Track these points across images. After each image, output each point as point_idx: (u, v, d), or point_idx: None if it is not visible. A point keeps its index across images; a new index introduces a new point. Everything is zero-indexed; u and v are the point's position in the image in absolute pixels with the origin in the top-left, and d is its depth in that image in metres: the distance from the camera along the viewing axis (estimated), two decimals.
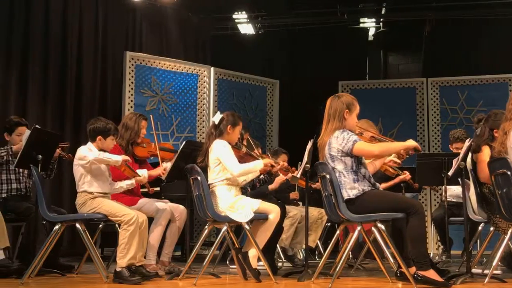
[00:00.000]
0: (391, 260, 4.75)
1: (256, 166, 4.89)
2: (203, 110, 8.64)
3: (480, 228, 5.67)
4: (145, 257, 4.95)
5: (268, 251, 5.17)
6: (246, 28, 9.76)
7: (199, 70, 8.69)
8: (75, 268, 5.44)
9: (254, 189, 6.06)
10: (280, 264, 6.11)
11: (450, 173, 4.87)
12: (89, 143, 4.93)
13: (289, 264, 6.27)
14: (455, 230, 6.86)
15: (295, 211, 6.19)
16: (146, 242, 4.94)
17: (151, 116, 5.84)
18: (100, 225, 5.51)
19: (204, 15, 9.53)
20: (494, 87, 8.77)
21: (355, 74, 9.93)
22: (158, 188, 5.92)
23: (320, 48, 9.91)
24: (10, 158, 5.55)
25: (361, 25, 9.97)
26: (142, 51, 8.49)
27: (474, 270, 4.81)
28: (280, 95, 9.44)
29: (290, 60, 10.08)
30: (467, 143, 4.75)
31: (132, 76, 8.05)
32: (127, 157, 4.91)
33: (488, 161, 4.57)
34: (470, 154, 4.84)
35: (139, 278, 4.58)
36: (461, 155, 4.73)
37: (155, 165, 5.69)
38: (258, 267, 4.78)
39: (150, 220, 5.13)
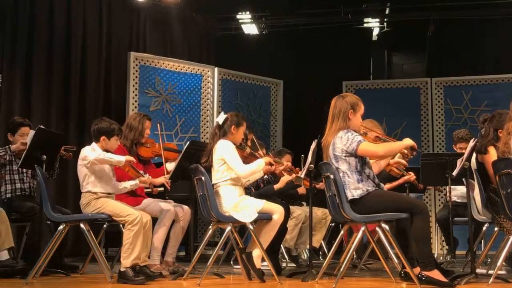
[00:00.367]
0: (395, 260, 4.75)
1: (259, 166, 4.90)
2: (207, 110, 8.64)
3: (484, 228, 5.66)
4: (149, 257, 4.96)
5: (272, 251, 5.17)
6: (250, 28, 9.76)
7: (203, 70, 8.69)
8: (80, 268, 5.45)
9: (258, 189, 6.06)
10: (284, 264, 6.11)
11: (454, 173, 4.86)
12: (93, 144, 4.93)
13: (293, 264, 6.27)
14: (459, 230, 6.85)
15: (299, 212, 6.19)
16: (150, 242, 4.95)
17: (158, 123, 5.85)
18: (104, 225, 5.52)
19: (208, 15, 9.53)
20: (498, 87, 8.74)
21: (359, 74, 9.91)
22: (162, 189, 5.92)
23: (324, 48, 9.89)
24: (13, 159, 5.56)
25: (365, 25, 9.96)
26: (146, 52, 8.50)
27: (478, 271, 4.80)
28: (284, 95, 9.44)
29: (294, 60, 10.07)
30: (471, 143, 4.74)
31: (136, 77, 8.06)
32: (131, 158, 4.91)
33: (493, 162, 4.56)
34: (474, 154, 4.83)
35: (143, 278, 4.58)
36: (465, 155, 4.73)
37: (159, 165, 5.70)
38: (262, 267, 4.78)
39: (154, 220, 5.14)
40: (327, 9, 9.53)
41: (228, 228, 4.77)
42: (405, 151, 4.65)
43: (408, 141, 4.52)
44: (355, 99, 4.65)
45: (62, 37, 7.80)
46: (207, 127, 8.56)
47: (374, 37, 10.29)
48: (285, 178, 5.88)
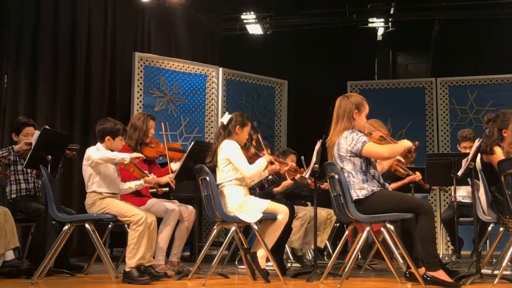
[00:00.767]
0: (400, 260, 4.74)
1: (262, 165, 4.90)
2: (212, 110, 8.64)
3: (489, 228, 5.64)
4: (154, 258, 4.96)
5: (277, 252, 5.17)
6: (255, 29, 9.75)
7: (208, 70, 8.70)
8: (85, 268, 5.46)
9: (262, 189, 6.06)
10: (288, 265, 6.10)
11: (459, 173, 4.85)
12: (98, 144, 4.94)
13: (298, 265, 6.26)
14: (464, 230, 6.83)
15: (304, 212, 6.19)
16: (155, 242, 4.95)
17: (162, 125, 5.84)
18: (109, 225, 5.52)
19: (212, 15, 9.53)
20: (503, 87, 8.72)
21: (364, 74, 9.89)
22: (167, 189, 5.92)
23: (328, 48, 9.88)
24: (18, 159, 5.57)
25: (370, 25, 9.93)
26: (151, 52, 8.51)
27: (483, 271, 4.79)
28: (288, 95, 9.44)
29: (299, 60, 10.06)
30: (476, 143, 4.73)
31: (141, 77, 8.07)
32: (138, 154, 4.89)
33: (498, 162, 4.55)
34: (479, 155, 4.82)
35: (148, 278, 4.59)
36: (470, 155, 4.72)
37: (164, 165, 5.70)
38: (266, 268, 4.78)
39: (159, 220, 5.14)
40: (332, 9, 9.52)
41: (233, 228, 4.77)
42: (409, 155, 4.66)
43: (406, 143, 4.52)
44: (360, 99, 4.65)
45: (67, 38, 7.82)
46: (211, 127, 8.57)
47: (379, 37, 10.27)
48: (286, 183, 5.91)
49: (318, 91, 9.67)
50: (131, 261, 4.64)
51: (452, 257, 6.52)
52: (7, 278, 4.96)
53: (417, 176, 5.98)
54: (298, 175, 5.40)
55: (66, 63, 7.79)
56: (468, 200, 6.36)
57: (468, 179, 4.83)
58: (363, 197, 4.40)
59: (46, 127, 5.30)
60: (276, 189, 6.02)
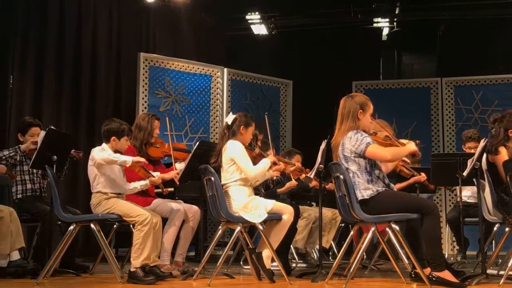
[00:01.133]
0: (406, 261, 4.73)
1: (265, 166, 4.89)
2: (217, 110, 8.65)
3: (495, 228, 5.62)
4: (159, 258, 4.97)
5: (282, 252, 5.17)
6: (259, 29, 9.75)
7: (213, 71, 8.70)
8: (90, 268, 5.47)
9: (267, 189, 6.06)
10: (294, 265, 6.10)
11: (465, 173, 4.84)
12: (104, 144, 4.95)
13: (303, 265, 6.26)
14: (470, 230, 6.81)
15: (309, 212, 6.19)
16: (160, 242, 4.96)
17: (166, 117, 5.83)
18: (115, 226, 5.53)
19: (217, 16, 9.54)
20: (509, 87, 8.69)
21: (369, 74, 9.88)
22: (172, 189, 5.93)
23: (333, 48, 9.88)
24: (24, 159, 5.59)
25: (375, 25, 9.93)
26: (156, 52, 8.51)
27: (489, 271, 4.77)
28: (293, 95, 9.43)
29: (303, 60, 10.06)
30: (482, 143, 4.72)
31: (146, 77, 8.08)
32: (141, 159, 4.90)
33: (503, 162, 4.54)
34: (485, 155, 4.81)
35: (153, 278, 4.59)
36: (476, 155, 4.71)
37: (169, 165, 5.70)
38: (272, 268, 4.77)
39: (164, 220, 5.15)
40: (337, 9, 9.51)
41: (238, 228, 4.77)
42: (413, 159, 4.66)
43: (411, 147, 4.51)
44: (364, 99, 4.64)
45: (72, 38, 7.83)
46: (216, 127, 8.57)
47: (384, 37, 10.27)
48: (290, 184, 5.90)
49: (323, 91, 9.64)
50: (136, 261, 4.65)
51: (458, 258, 6.50)
52: (12, 278, 4.98)
53: (422, 176, 5.97)
54: (303, 175, 5.40)
55: (71, 64, 7.81)
56: (473, 200, 6.34)
57: (474, 179, 4.82)
58: (368, 197, 4.40)
59: (52, 127, 5.31)
60: (280, 190, 6.02)
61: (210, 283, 4.50)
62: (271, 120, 9.16)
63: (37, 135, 5.46)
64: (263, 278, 4.70)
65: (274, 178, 6.03)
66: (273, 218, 4.82)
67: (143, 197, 5.30)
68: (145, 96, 8.04)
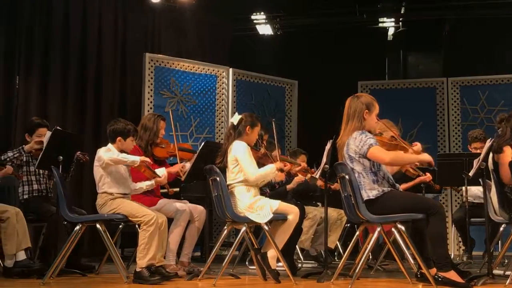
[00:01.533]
0: (411, 261, 4.72)
1: (268, 172, 4.88)
2: (222, 111, 8.65)
3: (501, 229, 5.61)
4: (164, 258, 4.98)
5: (287, 252, 5.16)
6: (265, 29, 9.76)
7: (218, 71, 8.71)
8: (96, 269, 5.48)
9: (273, 190, 6.05)
10: (299, 265, 6.10)
11: (471, 173, 4.83)
12: (109, 144, 4.96)
13: (308, 265, 6.26)
14: (476, 231, 6.80)
15: (314, 212, 6.18)
16: (166, 242, 4.97)
17: (170, 113, 5.82)
18: (120, 226, 5.54)
19: (222, 16, 9.54)
20: None
21: (375, 74, 9.88)
22: (177, 189, 5.94)
23: (339, 48, 9.87)
24: (30, 159, 5.60)
25: (380, 24, 9.93)
26: (161, 53, 8.53)
27: (495, 271, 4.76)
28: (298, 95, 9.43)
29: (309, 60, 10.05)
30: (488, 143, 4.71)
31: (152, 78, 8.09)
32: (146, 159, 4.92)
33: (510, 162, 4.52)
34: (491, 154, 4.79)
35: (158, 278, 4.60)
36: (482, 155, 4.69)
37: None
38: (277, 268, 4.77)
39: (170, 220, 5.15)
40: (342, 9, 9.51)
41: (243, 229, 4.77)
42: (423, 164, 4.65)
43: (426, 157, 4.49)
44: (370, 99, 4.63)
45: (77, 38, 7.85)
46: (222, 127, 8.58)
47: (390, 37, 10.26)
48: (298, 179, 5.88)
49: (328, 91, 9.62)
50: (142, 261, 4.65)
51: (464, 258, 6.48)
52: (19, 278, 5.00)
53: (428, 177, 5.95)
54: (309, 175, 5.39)
55: (77, 64, 7.82)
56: (479, 200, 6.32)
57: (480, 179, 4.80)
58: (373, 197, 4.39)
59: (58, 127, 5.32)
60: (289, 186, 6.00)
61: (215, 283, 4.51)
62: (277, 120, 9.17)
63: (43, 136, 5.47)
64: (268, 278, 4.70)
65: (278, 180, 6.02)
66: (279, 219, 4.82)
67: (148, 197, 5.31)
68: (151, 96, 8.05)
